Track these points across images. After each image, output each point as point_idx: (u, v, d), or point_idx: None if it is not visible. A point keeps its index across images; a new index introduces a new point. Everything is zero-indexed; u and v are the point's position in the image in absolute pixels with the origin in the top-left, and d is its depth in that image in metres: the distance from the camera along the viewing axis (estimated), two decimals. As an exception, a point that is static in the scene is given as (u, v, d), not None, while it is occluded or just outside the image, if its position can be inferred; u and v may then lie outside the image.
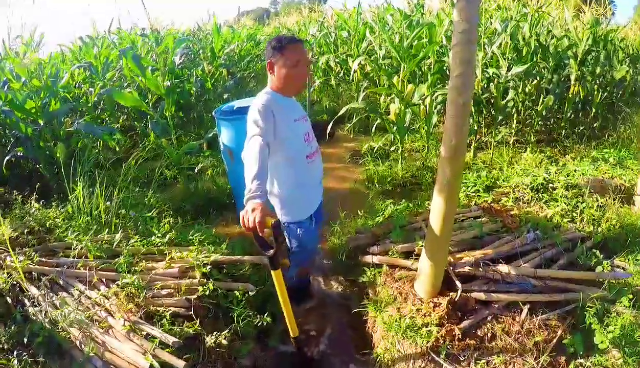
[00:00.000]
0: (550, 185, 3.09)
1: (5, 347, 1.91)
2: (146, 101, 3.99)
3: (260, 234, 1.34)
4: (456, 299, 1.95)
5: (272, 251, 1.40)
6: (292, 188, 1.96)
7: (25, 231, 2.48)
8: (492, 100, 3.99)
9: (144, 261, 2.30)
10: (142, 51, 3.46)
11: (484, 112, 4.20)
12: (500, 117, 3.89)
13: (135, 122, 4.83)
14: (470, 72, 1.58)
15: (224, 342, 1.92)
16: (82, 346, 1.87)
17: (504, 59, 3.79)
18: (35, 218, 2.66)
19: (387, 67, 4.50)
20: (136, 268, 2.24)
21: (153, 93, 3.64)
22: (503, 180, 3.19)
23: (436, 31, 3.71)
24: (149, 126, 3.64)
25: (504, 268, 2.07)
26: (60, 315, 1.96)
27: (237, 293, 2.18)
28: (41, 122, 3.20)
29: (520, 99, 4.09)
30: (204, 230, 2.76)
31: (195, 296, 2.10)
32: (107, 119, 4.82)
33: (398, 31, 3.94)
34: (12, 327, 1.97)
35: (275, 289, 1.64)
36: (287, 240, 2.13)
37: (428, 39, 3.83)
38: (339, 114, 3.80)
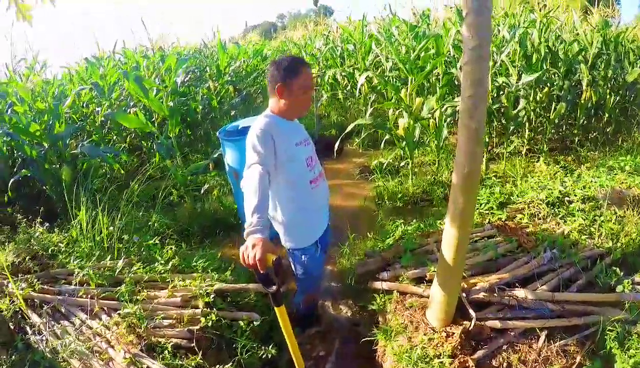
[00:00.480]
0: (567, 198, 3.00)
1: None
2: (152, 121, 4.03)
3: (260, 271, 1.28)
4: (470, 329, 1.86)
5: (274, 288, 1.34)
6: (295, 214, 1.90)
7: (27, 258, 2.48)
8: (503, 110, 3.92)
9: (145, 290, 2.26)
10: (146, 72, 3.48)
11: (495, 122, 4.12)
12: (512, 127, 3.81)
13: (143, 142, 4.86)
14: (482, 92, 1.48)
15: (227, 375, 1.85)
16: (83, 377, 1.84)
17: (514, 67, 3.73)
18: (39, 242, 2.67)
19: (394, 80, 4.46)
20: (138, 297, 2.21)
21: (158, 113, 3.66)
22: (517, 196, 3.11)
23: (443, 42, 3.67)
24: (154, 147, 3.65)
25: (520, 293, 1.99)
26: (61, 345, 1.95)
27: (241, 323, 2.13)
28: (46, 145, 3.23)
29: (532, 108, 4.02)
30: (209, 256, 2.73)
31: (197, 327, 2.06)
32: (114, 138, 4.87)
33: (404, 43, 3.90)
34: (14, 355, 1.97)
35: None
36: (292, 266, 2.08)
37: (435, 50, 3.79)
38: (347, 131, 3.76)
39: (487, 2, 1.37)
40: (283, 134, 1.75)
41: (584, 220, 2.70)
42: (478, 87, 1.46)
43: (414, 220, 3.02)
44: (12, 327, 2.12)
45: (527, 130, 4.19)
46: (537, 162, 4.06)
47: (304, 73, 1.74)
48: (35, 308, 2.20)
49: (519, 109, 3.76)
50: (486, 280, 2.11)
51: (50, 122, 3.25)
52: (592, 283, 2.17)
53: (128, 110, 4.45)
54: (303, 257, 1.98)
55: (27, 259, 2.46)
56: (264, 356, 1.99)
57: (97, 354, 1.93)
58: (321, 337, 2.48)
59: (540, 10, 3.97)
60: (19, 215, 2.80)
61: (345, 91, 6.32)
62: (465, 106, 1.51)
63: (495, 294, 2.01)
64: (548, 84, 4.08)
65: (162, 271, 2.49)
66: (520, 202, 2.99)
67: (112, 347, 1.96)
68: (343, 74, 5.57)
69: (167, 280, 2.41)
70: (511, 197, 3.10)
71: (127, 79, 3.19)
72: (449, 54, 3.86)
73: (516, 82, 3.64)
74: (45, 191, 3.49)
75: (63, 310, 2.21)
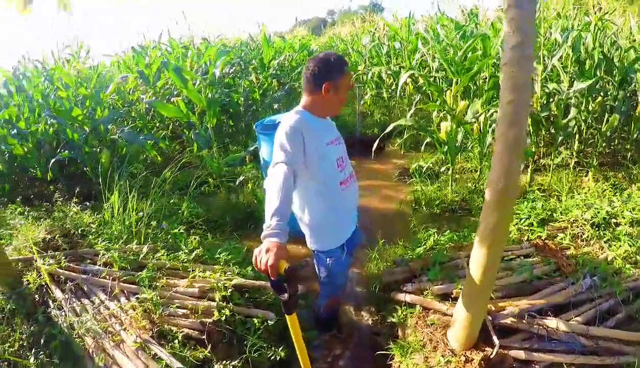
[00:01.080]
0: (614, 220, 2.75)
1: (25, 344, 2.04)
2: (193, 111, 4.14)
3: (272, 278, 1.23)
4: (491, 356, 1.72)
5: (286, 295, 1.28)
6: (323, 216, 1.84)
7: (56, 236, 2.61)
8: (553, 119, 3.65)
9: (166, 277, 2.31)
10: (188, 62, 3.58)
11: (543, 131, 3.84)
12: (560, 138, 3.53)
13: (185, 130, 5.03)
14: (525, 99, 1.33)
15: (233, 372, 1.84)
16: (94, 355, 1.92)
17: (566, 73, 3.48)
18: (73, 221, 2.81)
19: (440, 81, 4.27)
20: (157, 283, 2.25)
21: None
22: (561, 213, 2.88)
23: (490, 43, 3.44)
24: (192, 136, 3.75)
25: (551, 322, 1.82)
26: (77, 322, 2.02)
27: (255, 320, 2.12)
28: (87, 129, 3.41)
29: (583, 118, 3.74)
30: (233, 249, 2.74)
31: (210, 320, 2.07)
32: (157, 125, 5.08)
33: (450, 43, 3.70)
34: (33, 327, 2.08)
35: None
36: (316, 268, 2.02)
37: (482, 51, 3.57)
38: (386, 131, 3.65)
39: (531, -8, 1.22)
40: (314, 131, 1.69)
41: (631, 246, 2.45)
42: (520, 92, 1.31)
43: (448, 231, 2.87)
44: (37, 299, 2.24)
45: (576, 142, 3.89)
46: (585, 176, 3.79)
47: (348, 72, 1.72)
48: (60, 284, 2.31)
49: (569, 119, 3.48)
50: (516, 305, 1.95)
51: (92, 108, 3.42)
52: (633, 318, 1.99)
53: (172, 99, 4.62)
54: (328, 260, 1.92)
55: (56, 237, 2.59)
56: (272, 357, 1.97)
57: (110, 335, 1.99)
58: (338, 343, 2.41)
59: (595, 13, 3.63)
60: (56, 193, 2.96)
61: (390, 90, 6.18)
62: (504, 113, 1.36)
63: (524, 321, 1.85)
64: (601, 93, 3.78)
65: (185, 260, 2.53)
66: (563, 220, 2.76)
67: (125, 329, 2.01)
68: (388, 72, 5.43)
69: (189, 269, 2.45)
70: (554, 214, 2.87)
71: (167, 69, 3.29)
72: (498, 56, 3.63)
73: (567, 89, 3.39)
74: (86, 173, 3.70)
75: (85, 288, 2.30)
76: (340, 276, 2.09)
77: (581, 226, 2.63)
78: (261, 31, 5.78)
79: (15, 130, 3.61)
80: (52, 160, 3.40)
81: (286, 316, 1.38)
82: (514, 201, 1.56)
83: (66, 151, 3.47)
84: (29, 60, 4.24)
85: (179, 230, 2.72)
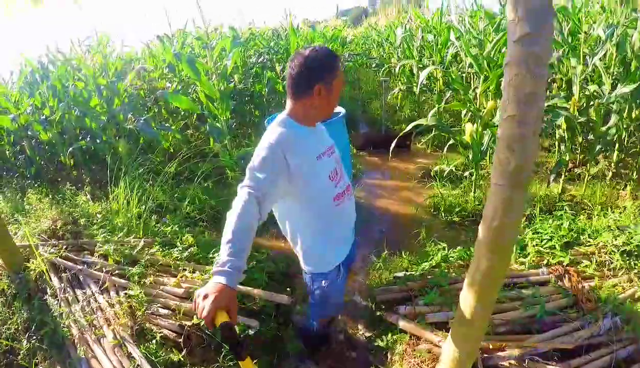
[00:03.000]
0: None
1: (20, 328, 2.21)
2: (213, 102, 4.20)
3: (209, 329, 1.11)
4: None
5: (231, 345, 1.13)
6: (315, 237, 1.67)
7: (62, 225, 2.74)
8: (591, 125, 3.34)
9: (152, 276, 2.36)
10: (208, 54, 3.61)
11: (580, 138, 3.50)
12: (598, 147, 3.18)
13: (208, 120, 5.14)
14: (533, 115, 1.02)
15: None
16: (77, 346, 2.03)
17: (608, 74, 3.14)
18: (81, 211, 2.95)
19: (473, 77, 3.98)
20: (146, 281, 2.30)
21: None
22: (589, 235, 2.61)
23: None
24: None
25: None
26: (66, 313, 2.11)
27: (236, 327, 2.09)
28: (104, 118, 3.56)
29: (625, 125, 3.37)
30: (228, 249, 2.74)
31: (190, 323, 2.08)
32: (180, 115, 5.22)
33: (477, 36, 3.40)
34: (26, 313, 2.25)
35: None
36: (308, 288, 1.91)
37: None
38: (405, 131, 3.49)
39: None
40: (302, 146, 1.49)
41: (665, 282, 2.17)
42: (527, 105, 1.01)
43: (459, 247, 2.70)
44: (38, 286, 2.38)
45: (616, 151, 3.50)
46: (622, 190, 3.45)
47: (339, 67, 1.50)
48: (59, 273, 2.43)
49: (610, 126, 3.15)
50: (518, 345, 1.77)
51: (110, 97, 3.57)
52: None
53: (178, 94, 4.71)
54: (323, 282, 1.77)
55: (62, 226, 2.73)
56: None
57: (94, 328, 2.07)
58: (329, 357, 2.36)
59: None
60: (76, 179, 3.11)
61: (421, 85, 5.93)
62: (504, 132, 1.08)
63: (524, 365, 1.67)
64: (647, 100, 3.34)
65: (178, 258, 2.57)
66: (590, 245, 2.49)
67: (109, 324, 2.08)
68: (419, 66, 5.19)
69: (180, 268, 2.48)
70: (580, 237, 2.61)
71: (180, 61, 3.33)
72: None
73: (609, 93, 3.06)
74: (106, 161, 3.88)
75: (81, 279, 2.42)
76: (336, 297, 1.95)
77: (610, 253, 2.36)
78: (295, 20, 5.75)
79: (42, 117, 3.89)
80: (70, 148, 3.59)
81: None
82: (513, 244, 1.30)
83: (84, 140, 3.65)
84: (57, 51, 4.52)
85: (175, 227, 2.76)
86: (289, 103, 1.53)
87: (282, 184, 1.42)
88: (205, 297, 1.07)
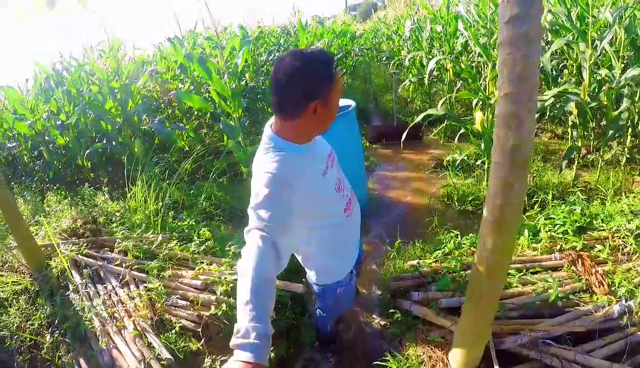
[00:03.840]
0: None
1: (44, 323, 2.32)
2: (226, 101, 4.29)
3: None
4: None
5: None
6: (328, 254, 1.60)
7: (82, 224, 2.87)
8: (603, 109, 3.30)
9: (174, 268, 2.45)
10: (218, 53, 3.70)
11: (592, 124, 3.45)
12: (611, 132, 3.14)
13: (221, 118, 5.24)
14: (527, 92, 1.06)
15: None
16: (99, 338, 2.12)
17: (618, 58, 3.09)
18: (100, 210, 3.07)
19: (483, 66, 3.96)
20: (165, 274, 2.39)
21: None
22: (602, 220, 2.59)
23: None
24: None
25: (568, 353, 1.68)
26: (88, 307, 2.22)
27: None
28: (119, 120, 3.69)
29: (637, 110, 3.31)
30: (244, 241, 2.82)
31: (208, 313, 2.15)
32: (194, 114, 5.34)
33: (485, 25, 3.38)
34: (48, 308, 2.35)
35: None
36: (318, 300, 1.94)
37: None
38: (416, 121, 3.51)
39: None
40: (308, 170, 1.31)
41: (680, 266, 2.14)
42: (521, 84, 1.05)
43: (471, 234, 2.71)
44: (60, 283, 2.50)
45: (629, 136, 3.46)
46: (638, 175, 3.41)
47: (337, 73, 1.27)
48: (79, 269, 2.55)
49: (622, 110, 3.10)
50: (531, 328, 1.78)
51: (124, 100, 3.69)
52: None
53: (208, 88, 4.83)
54: (339, 289, 1.76)
55: (82, 224, 2.85)
56: (270, 355, 2.02)
57: (115, 320, 2.16)
58: (344, 346, 2.41)
59: None
60: (94, 181, 3.24)
61: (432, 76, 5.93)
62: (501, 111, 1.12)
63: (536, 349, 1.68)
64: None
65: (196, 251, 2.65)
66: (604, 230, 2.47)
67: (130, 316, 2.17)
68: (429, 57, 5.19)
69: (197, 261, 2.56)
70: (594, 222, 2.60)
71: (191, 61, 3.42)
72: (544, 37, 3.27)
73: (619, 77, 3.02)
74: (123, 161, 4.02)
75: (102, 274, 2.52)
76: (349, 298, 1.96)
77: (624, 237, 2.33)
78: (304, 17, 5.81)
79: (59, 122, 4.05)
80: (87, 151, 3.73)
81: None
82: (516, 221, 1.31)
83: (100, 142, 3.79)
84: (70, 57, 4.71)
85: (192, 222, 2.85)
86: (278, 123, 1.30)
87: (295, 216, 1.22)
88: None
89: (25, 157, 4.63)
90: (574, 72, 3.93)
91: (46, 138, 4.21)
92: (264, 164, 1.26)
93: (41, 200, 3.53)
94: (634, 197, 2.82)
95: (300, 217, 1.28)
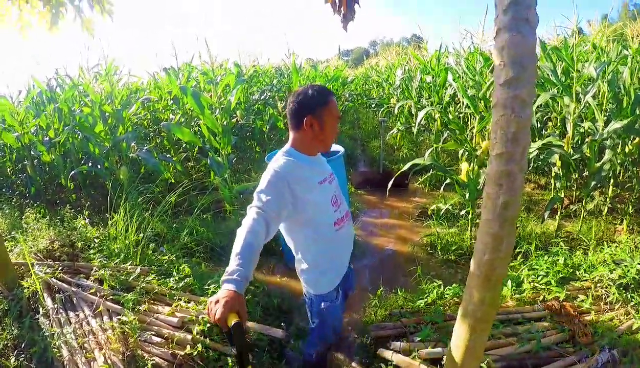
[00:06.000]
0: None
1: (10, 344, 2.25)
2: (215, 136, 4.39)
3: (223, 330, 1.22)
4: None
5: (233, 350, 1.24)
6: (316, 258, 1.82)
7: (59, 246, 2.82)
8: (585, 161, 3.52)
9: (147, 303, 2.42)
10: (212, 89, 3.84)
11: (575, 175, 3.66)
12: (593, 183, 3.33)
13: (209, 153, 5.32)
14: (519, 153, 1.12)
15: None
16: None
17: (601, 111, 3.33)
18: (79, 234, 3.03)
19: (470, 118, 4.19)
20: (140, 307, 2.35)
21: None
22: (584, 270, 2.71)
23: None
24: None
25: None
26: (57, 334, 2.15)
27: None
28: (107, 145, 3.72)
29: (619, 161, 3.52)
30: (224, 280, 2.81)
31: (182, 353, 2.11)
32: (182, 147, 5.40)
33: (473, 78, 3.62)
34: (16, 330, 2.29)
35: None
36: (308, 313, 2.02)
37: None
38: (403, 170, 3.66)
39: (527, 13, 1.03)
40: (304, 173, 1.69)
41: (663, 313, 2.25)
42: (513, 144, 1.11)
43: (455, 284, 2.79)
44: (30, 304, 2.42)
45: (611, 186, 3.67)
46: (619, 224, 3.57)
47: (332, 102, 1.69)
48: (52, 293, 2.48)
49: (604, 161, 3.30)
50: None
51: (114, 125, 3.74)
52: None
53: (180, 126, 4.90)
54: (323, 304, 1.90)
55: (59, 247, 2.81)
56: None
57: (84, 351, 2.10)
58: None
59: (633, 44, 3.44)
60: (75, 203, 3.21)
61: (419, 125, 6.23)
62: (492, 170, 1.17)
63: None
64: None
65: (173, 287, 2.62)
66: (587, 279, 2.59)
67: (101, 349, 2.11)
68: (418, 106, 5.47)
69: (175, 297, 2.53)
70: (576, 272, 2.71)
71: (185, 94, 3.53)
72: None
73: (602, 129, 3.24)
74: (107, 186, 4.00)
75: (75, 301, 2.47)
76: (334, 320, 2.04)
77: (606, 287, 2.44)
78: (298, 59, 6.09)
79: (47, 138, 4.05)
80: (72, 172, 3.72)
81: None
82: (502, 276, 1.36)
83: (86, 164, 3.79)
84: (65, 75, 4.77)
85: (172, 257, 2.84)
86: (290, 135, 1.76)
87: (286, 207, 1.60)
88: (217, 302, 1.21)
89: (9, 169, 4.56)
90: (558, 125, 4.15)
91: (32, 153, 4.18)
92: (274, 163, 1.66)
93: (19, 215, 3.46)
94: (616, 246, 2.95)
95: (295, 211, 1.64)
